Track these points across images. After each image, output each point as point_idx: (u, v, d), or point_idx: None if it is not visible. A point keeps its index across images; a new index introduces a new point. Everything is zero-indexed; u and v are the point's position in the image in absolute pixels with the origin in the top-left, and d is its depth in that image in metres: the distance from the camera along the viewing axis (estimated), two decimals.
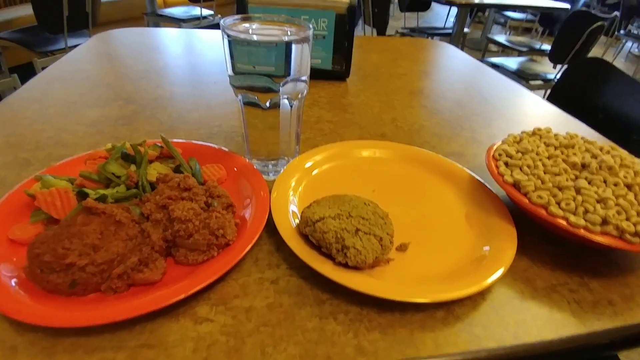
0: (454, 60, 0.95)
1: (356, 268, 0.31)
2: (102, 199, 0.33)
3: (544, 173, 0.38)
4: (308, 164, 0.45)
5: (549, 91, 1.20)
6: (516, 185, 0.38)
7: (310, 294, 0.31)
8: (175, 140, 0.45)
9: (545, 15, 3.32)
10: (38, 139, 0.49)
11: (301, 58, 0.37)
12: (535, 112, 0.70)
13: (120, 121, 0.54)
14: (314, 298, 0.31)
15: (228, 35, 0.34)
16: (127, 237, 0.30)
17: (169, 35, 0.98)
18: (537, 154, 0.41)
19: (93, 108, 0.57)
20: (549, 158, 0.40)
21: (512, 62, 2.65)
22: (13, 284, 0.28)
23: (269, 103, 0.38)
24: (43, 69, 2.17)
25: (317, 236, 0.32)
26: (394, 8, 4.19)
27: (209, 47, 0.90)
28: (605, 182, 0.36)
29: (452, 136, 0.58)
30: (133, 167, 0.36)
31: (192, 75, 0.73)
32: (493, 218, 0.38)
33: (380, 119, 0.61)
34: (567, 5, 2.49)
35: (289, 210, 0.37)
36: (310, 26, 0.37)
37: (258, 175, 0.41)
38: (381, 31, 2.89)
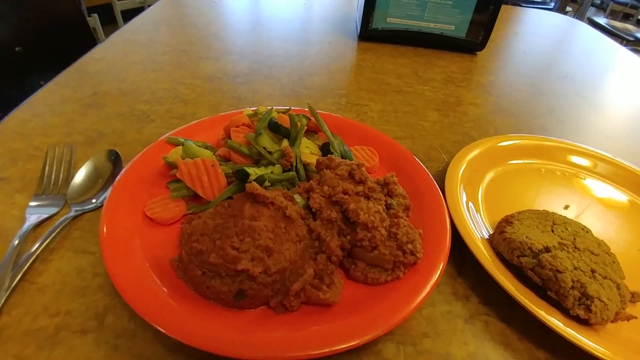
0: (591, 43, 0.79)
1: (588, 323, 0.23)
2: (259, 181, 0.26)
3: None
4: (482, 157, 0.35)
5: None
6: None
7: (522, 349, 0.23)
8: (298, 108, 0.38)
9: None
10: (154, 90, 0.43)
11: None
12: None
13: (238, 79, 0.47)
14: (528, 355, 0.23)
15: None
16: (297, 239, 0.23)
17: None
18: None
19: (206, 60, 0.50)
20: None
21: None
22: (158, 281, 0.22)
23: None
24: (121, 12, 2.13)
25: (544, 274, 0.23)
26: None
27: (317, 2, 0.80)
28: None
29: (633, 141, 0.46)
30: (285, 143, 0.29)
31: (302, 32, 0.65)
32: None
33: (533, 108, 0.50)
34: None
35: (465, 215, 0.29)
36: None
37: (418, 165, 0.32)
38: None
